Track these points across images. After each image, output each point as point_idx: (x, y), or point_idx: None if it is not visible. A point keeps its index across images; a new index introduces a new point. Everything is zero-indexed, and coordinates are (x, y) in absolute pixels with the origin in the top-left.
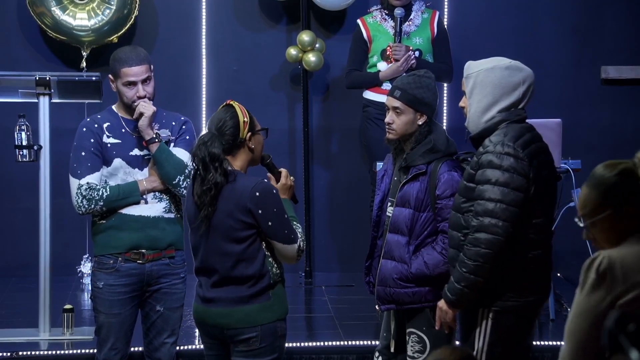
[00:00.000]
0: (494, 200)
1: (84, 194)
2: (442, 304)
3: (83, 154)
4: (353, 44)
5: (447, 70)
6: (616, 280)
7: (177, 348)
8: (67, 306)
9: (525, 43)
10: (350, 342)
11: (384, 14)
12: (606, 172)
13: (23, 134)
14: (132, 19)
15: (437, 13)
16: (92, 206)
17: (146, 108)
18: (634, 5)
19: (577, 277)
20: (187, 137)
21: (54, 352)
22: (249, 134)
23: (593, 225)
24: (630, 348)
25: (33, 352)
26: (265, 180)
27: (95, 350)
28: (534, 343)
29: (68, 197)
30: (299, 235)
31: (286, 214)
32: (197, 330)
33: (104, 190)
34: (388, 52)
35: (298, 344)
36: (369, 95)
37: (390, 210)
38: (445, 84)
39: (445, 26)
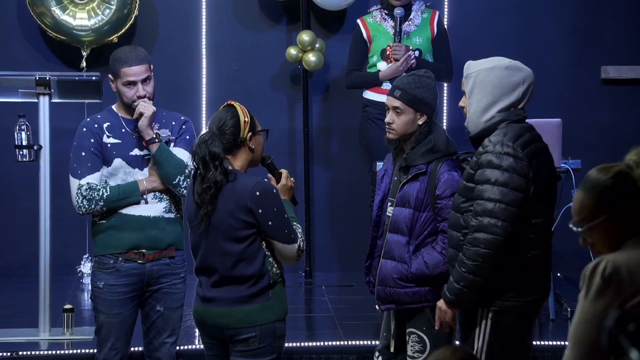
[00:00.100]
0: (494, 200)
1: (84, 194)
2: (441, 303)
3: (83, 154)
4: (353, 44)
5: (447, 70)
6: (623, 284)
7: (177, 348)
8: (67, 306)
9: (525, 43)
10: (350, 342)
11: (383, 13)
12: (601, 175)
13: (23, 134)
14: (132, 19)
15: (437, 13)
16: (92, 206)
17: (146, 108)
18: (634, 5)
19: (577, 277)
20: (187, 137)
21: (54, 352)
22: (250, 134)
23: (590, 230)
24: (630, 348)
25: (33, 352)
26: (266, 179)
27: (95, 350)
28: (534, 343)
29: (68, 197)
30: (299, 236)
31: (286, 214)
32: (197, 330)
33: (104, 190)
34: (388, 52)
35: (298, 344)
36: (369, 95)
37: (390, 210)
38: (445, 84)
39: (445, 26)
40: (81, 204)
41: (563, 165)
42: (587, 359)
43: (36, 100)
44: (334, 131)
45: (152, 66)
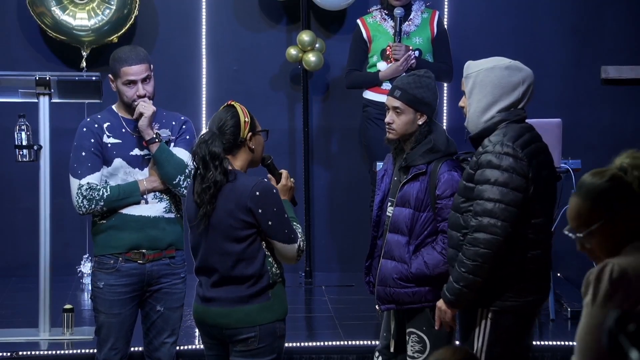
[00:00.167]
0: (493, 200)
1: (84, 194)
2: (441, 303)
3: (83, 154)
4: (353, 44)
5: (447, 70)
6: (631, 287)
7: (177, 348)
8: (67, 306)
9: (525, 43)
10: (350, 342)
11: (383, 14)
12: (596, 179)
13: (23, 134)
14: (132, 19)
15: (437, 13)
16: (93, 206)
17: (146, 108)
18: (634, 5)
19: (577, 277)
20: (187, 137)
21: (54, 352)
22: (250, 134)
23: (589, 235)
24: (630, 348)
25: (33, 352)
26: (266, 179)
27: (95, 350)
28: (534, 343)
29: (68, 197)
30: (299, 236)
31: (286, 214)
32: (197, 330)
33: (104, 190)
34: (388, 52)
35: (298, 344)
36: (369, 95)
37: (390, 210)
38: (445, 84)
39: (445, 26)
40: (81, 204)
41: (563, 165)
42: None
43: (36, 100)
44: (334, 131)
45: (152, 66)
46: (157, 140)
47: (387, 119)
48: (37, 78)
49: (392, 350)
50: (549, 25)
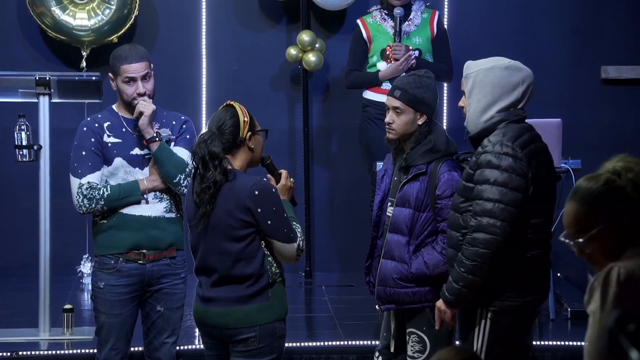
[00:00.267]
0: (493, 200)
1: (84, 193)
2: (440, 303)
3: (84, 153)
4: (353, 44)
5: (447, 70)
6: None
7: (177, 348)
8: (67, 306)
9: (525, 43)
10: (350, 342)
11: (383, 14)
12: (591, 184)
13: (23, 134)
14: (132, 19)
15: (437, 13)
16: (93, 205)
17: (146, 107)
18: (634, 5)
19: (577, 277)
20: (188, 137)
21: (54, 352)
22: (249, 133)
23: (589, 241)
24: (630, 348)
25: (33, 352)
26: (265, 179)
27: (95, 350)
28: (534, 343)
29: (68, 197)
30: (299, 235)
31: (285, 213)
32: (197, 330)
33: (104, 189)
34: (388, 52)
35: (298, 344)
36: (369, 95)
37: (390, 210)
38: (445, 84)
39: (445, 26)
40: (82, 203)
41: (563, 165)
42: None
43: (36, 100)
44: (334, 131)
45: (152, 65)
46: (157, 139)
47: (387, 119)
48: (37, 78)
49: (392, 350)
50: (549, 25)
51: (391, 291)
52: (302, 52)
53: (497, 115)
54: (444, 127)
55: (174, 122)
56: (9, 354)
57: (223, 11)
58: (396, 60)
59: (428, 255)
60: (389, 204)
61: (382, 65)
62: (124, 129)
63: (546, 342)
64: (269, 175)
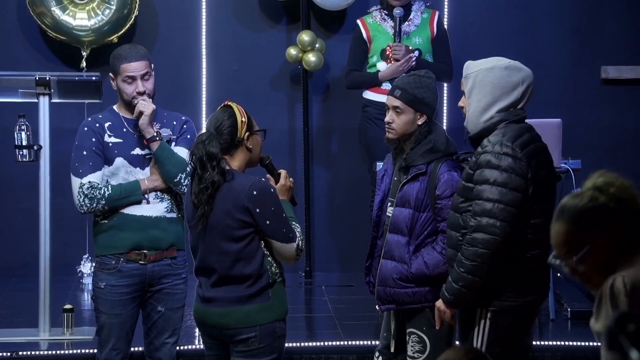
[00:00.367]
0: (492, 201)
1: (85, 192)
2: (440, 303)
3: (85, 153)
4: (353, 44)
5: (447, 70)
6: None
7: (178, 348)
8: (67, 306)
9: (525, 43)
10: (350, 342)
11: (383, 14)
12: (577, 201)
13: (23, 134)
14: (132, 19)
15: (437, 13)
16: (94, 205)
17: (146, 107)
18: (634, 5)
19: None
20: (189, 136)
21: (54, 352)
22: (247, 133)
23: (582, 259)
24: (631, 348)
25: (33, 352)
26: (263, 179)
27: (95, 350)
28: (534, 343)
29: (68, 197)
30: (298, 235)
31: (284, 213)
32: (197, 330)
33: (105, 189)
34: (388, 52)
35: (298, 344)
36: (369, 95)
37: (390, 210)
38: (445, 84)
39: (445, 26)
40: (83, 203)
41: (563, 165)
42: None
43: (36, 100)
44: (334, 131)
45: (152, 65)
46: (157, 138)
47: (387, 119)
48: (37, 78)
49: (392, 350)
50: (549, 25)
51: (391, 291)
52: (302, 52)
53: (497, 115)
54: (444, 127)
55: (174, 123)
56: (9, 354)
57: (223, 11)
58: (396, 60)
59: (428, 256)
60: (389, 204)
61: (382, 66)
62: (124, 129)
63: (546, 342)
64: (268, 175)
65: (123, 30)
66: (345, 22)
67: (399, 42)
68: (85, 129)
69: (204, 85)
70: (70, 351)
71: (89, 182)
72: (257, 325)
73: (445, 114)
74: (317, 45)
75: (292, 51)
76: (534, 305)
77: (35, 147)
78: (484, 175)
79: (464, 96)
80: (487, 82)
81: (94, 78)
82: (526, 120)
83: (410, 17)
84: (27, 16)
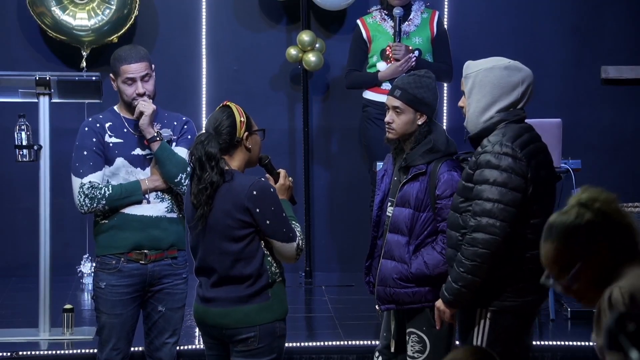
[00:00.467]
0: (492, 201)
1: (86, 192)
2: (439, 303)
3: (85, 153)
4: (353, 44)
5: (447, 70)
6: None
7: (178, 348)
8: (67, 306)
9: (525, 43)
10: (350, 342)
11: (383, 14)
12: (564, 219)
13: (23, 134)
14: (132, 19)
15: (437, 13)
16: (95, 205)
17: (146, 107)
18: (634, 5)
19: None
20: (189, 137)
21: (54, 352)
22: (246, 133)
23: (575, 277)
24: (630, 348)
25: (33, 352)
26: (263, 179)
27: (95, 350)
28: (534, 343)
29: (68, 197)
30: (298, 234)
31: (284, 213)
32: (197, 330)
33: (106, 189)
34: (388, 52)
35: (298, 344)
36: (369, 95)
37: (390, 210)
38: (445, 84)
39: (445, 26)
40: (83, 203)
41: (563, 165)
42: None
43: (36, 100)
44: (334, 131)
45: (153, 65)
46: (158, 138)
47: (387, 119)
48: (37, 78)
49: (392, 350)
50: (549, 25)
51: (391, 291)
52: (302, 52)
53: (497, 115)
54: (444, 127)
55: (175, 123)
56: (9, 354)
57: (223, 11)
58: (396, 60)
59: (428, 255)
60: (389, 204)
61: (381, 66)
62: (125, 130)
63: (546, 342)
64: (267, 175)
65: (123, 30)
66: (345, 22)
67: (398, 42)
68: (86, 129)
69: (204, 85)
70: (70, 351)
71: (90, 182)
72: (256, 325)
73: (445, 114)
74: (317, 45)
75: (292, 51)
76: (533, 305)
77: (35, 147)
78: (484, 175)
79: (463, 96)
80: (487, 82)
81: (94, 78)
82: (526, 120)
83: (410, 17)
84: (27, 16)
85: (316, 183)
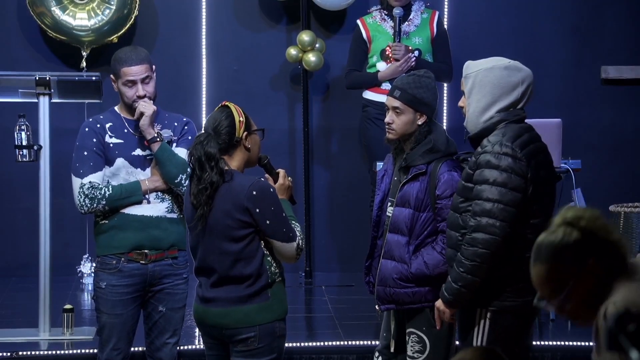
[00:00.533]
0: (492, 201)
1: (86, 192)
2: (439, 303)
3: (85, 153)
4: (353, 44)
5: (446, 70)
6: None
7: (178, 348)
8: (67, 306)
9: (525, 43)
10: (350, 342)
11: (383, 14)
12: (553, 238)
13: (23, 134)
14: (132, 19)
15: (437, 13)
16: (95, 205)
17: (146, 107)
18: (634, 5)
19: None
20: (190, 138)
21: (54, 352)
22: (245, 133)
23: (567, 298)
24: (630, 348)
25: (33, 352)
26: (262, 179)
27: (95, 350)
28: (534, 343)
29: (68, 197)
30: (298, 234)
31: (284, 212)
32: (197, 330)
33: (106, 189)
34: (387, 52)
35: (298, 344)
36: (369, 95)
37: (390, 210)
38: (445, 84)
39: (445, 26)
40: (83, 203)
41: (563, 165)
42: None
43: (36, 100)
44: (334, 131)
45: (153, 67)
46: (158, 139)
47: (386, 119)
48: (37, 78)
49: (392, 350)
50: (549, 25)
51: (391, 291)
52: (302, 52)
53: (497, 115)
54: (444, 127)
55: (175, 124)
56: (9, 354)
57: (223, 11)
58: (396, 60)
59: (428, 255)
60: (389, 204)
61: (381, 66)
62: (125, 130)
63: (546, 342)
64: (267, 175)
65: (123, 30)
66: (345, 22)
67: (398, 42)
68: (86, 129)
69: (204, 85)
70: (70, 351)
71: (90, 182)
72: (256, 325)
73: (445, 114)
74: (317, 45)
75: (292, 51)
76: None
77: (35, 147)
78: (484, 175)
79: (463, 96)
80: (487, 82)
81: (94, 78)
82: (526, 120)
83: (410, 17)
84: (27, 16)
85: (316, 183)
